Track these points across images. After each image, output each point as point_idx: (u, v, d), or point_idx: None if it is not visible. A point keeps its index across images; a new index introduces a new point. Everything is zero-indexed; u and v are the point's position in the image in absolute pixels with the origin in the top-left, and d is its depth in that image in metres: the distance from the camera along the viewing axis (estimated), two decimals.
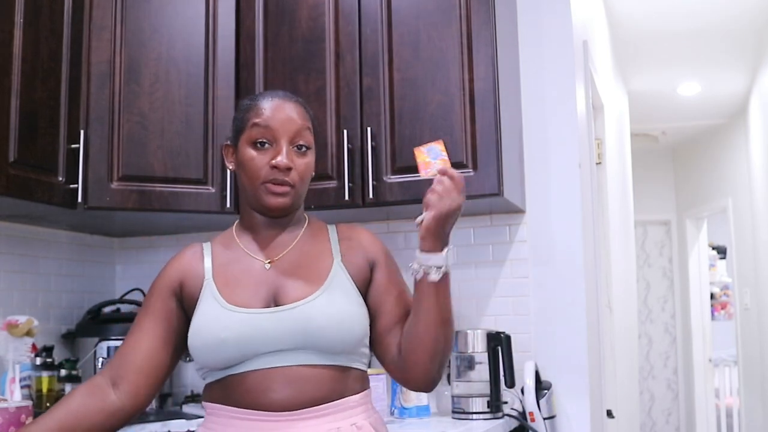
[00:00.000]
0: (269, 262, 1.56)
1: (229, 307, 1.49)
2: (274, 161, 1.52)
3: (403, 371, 1.55)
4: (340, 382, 1.50)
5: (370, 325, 1.55)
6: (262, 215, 1.59)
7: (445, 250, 1.45)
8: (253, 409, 1.45)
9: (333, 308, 1.48)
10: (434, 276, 1.45)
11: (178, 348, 1.56)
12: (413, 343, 1.52)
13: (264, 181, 1.53)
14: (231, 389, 1.48)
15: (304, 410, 1.45)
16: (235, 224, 1.65)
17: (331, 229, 1.64)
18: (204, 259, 1.58)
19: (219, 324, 1.47)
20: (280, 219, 1.60)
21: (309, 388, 1.46)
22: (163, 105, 2.47)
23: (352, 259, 1.58)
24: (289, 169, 1.53)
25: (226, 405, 1.49)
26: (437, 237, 1.44)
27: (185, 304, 1.55)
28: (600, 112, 3.74)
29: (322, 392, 1.47)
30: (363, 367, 1.56)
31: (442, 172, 1.45)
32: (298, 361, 1.46)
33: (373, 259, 1.60)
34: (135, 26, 2.47)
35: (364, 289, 1.58)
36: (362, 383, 1.56)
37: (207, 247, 1.62)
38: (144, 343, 1.53)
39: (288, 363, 1.46)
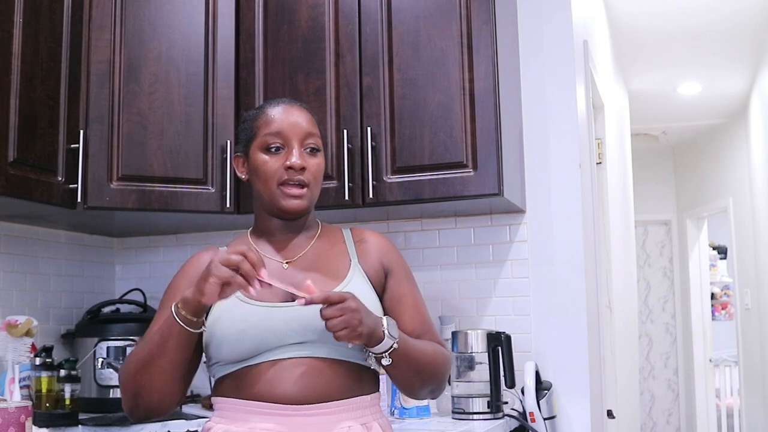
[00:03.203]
0: (287, 263, 1.59)
1: (247, 300, 1.51)
2: (288, 162, 1.56)
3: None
4: (354, 380, 1.52)
5: None
6: (278, 219, 1.62)
7: (384, 335, 1.46)
8: (265, 401, 1.46)
9: None
10: (386, 361, 1.48)
11: (200, 343, 1.56)
12: (398, 385, 1.60)
13: (279, 183, 1.57)
14: (244, 381, 1.49)
15: (317, 405, 1.47)
16: (248, 231, 1.68)
17: (346, 232, 1.68)
18: None
19: (237, 316, 1.50)
20: (295, 222, 1.63)
21: (323, 382, 1.48)
22: (162, 105, 2.47)
23: (368, 261, 1.62)
24: (303, 168, 1.57)
25: (237, 398, 1.49)
26: (370, 340, 1.45)
27: None
28: (600, 112, 3.73)
29: (335, 388, 1.49)
30: (377, 368, 1.58)
31: (309, 302, 1.40)
32: (314, 354, 1.48)
33: (388, 266, 1.64)
34: (134, 26, 2.47)
35: (380, 292, 1.62)
36: (374, 385, 1.59)
37: (223, 251, 1.63)
38: None
39: (303, 355, 1.48)
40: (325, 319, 1.39)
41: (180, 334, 1.43)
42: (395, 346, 1.47)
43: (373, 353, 1.48)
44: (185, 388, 1.54)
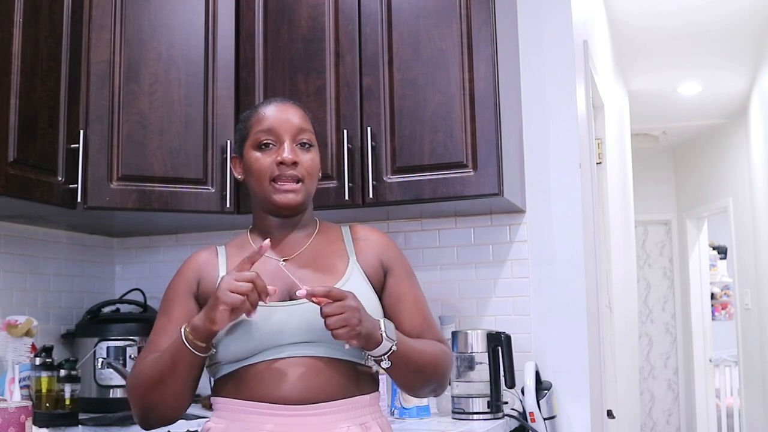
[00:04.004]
0: (284, 260, 1.59)
1: None
2: (279, 157, 1.56)
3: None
4: (353, 380, 1.51)
5: None
6: (274, 216, 1.62)
7: (383, 338, 1.45)
8: (264, 401, 1.46)
9: None
10: (385, 364, 1.47)
11: None
12: (398, 385, 1.61)
13: (272, 179, 1.57)
14: (243, 382, 1.49)
15: (316, 405, 1.46)
16: (248, 230, 1.68)
17: (345, 230, 1.67)
18: (219, 259, 1.61)
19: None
20: (292, 219, 1.63)
21: (321, 382, 1.47)
22: (162, 105, 2.47)
23: (367, 259, 1.61)
24: (295, 163, 1.57)
25: (236, 399, 1.49)
26: (368, 343, 1.44)
27: (201, 304, 1.56)
28: (600, 112, 3.73)
29: (333, 388, 1.48)
30: (375, 367, 1.58)
31: (310, 294, 1.40)
32: (312, 354, 1.48)
33: (388, 264, 1.63)
34: (134, 26, 2.47)
35: (379, 290, 1.61)
36: (373, 384, 1.58)
37: (221, 249, 1.65)
38: None
39: (301, 355, 1.48)
40: (325, 316, 1.39)
41: (190, 357, 1.44)
42: (394, 348, 1.46)
43: (371, 356, 1.47)
44: (193, 394, 1.54)
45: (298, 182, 1.58)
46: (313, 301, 1.41)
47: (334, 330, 1.39)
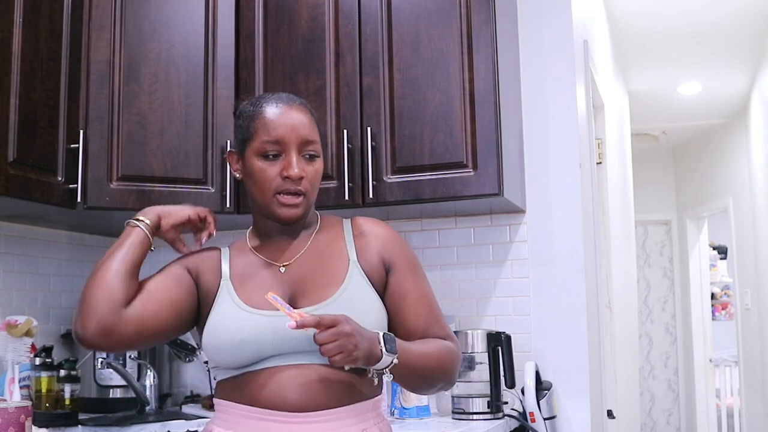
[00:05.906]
0: (284, 266, 1.56)
1: (246, 308, 1.50)
2: (285, 172, 1.52)
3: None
4: (354, 386, 1.49)
5: (388, 330, 1.54)
6: (273, 221, 1.59)
7: (383, 353, 1.42)
8: (265, 408, 1.45)
9: (350, 312, 1.44)
10: (387, 377, 1.45)
11: (185, 313, 1.54)
12: (405, 388, 1.64)
13: (276, 192, 1.53)
14: (244, 387, 1.48)
15: (317, 413, 1.45)
16: (248, 231, 1.65)
17: (346, 225, 1.63)
18: (222, 261, 1.59)
19: (236, 324, 1.48)
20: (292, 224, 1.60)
21: (322, 389, 1.46)
22: (162, 105, 2.47)
23: (367, 258, 1.57)
24: (300, 178, 1.53)
25: (238, 403, 1.49)
26: (368, 361, 1.42)
27: (200, 291, 1.56)
28: (600, 112, 3.73)
29: (335, 395, 1.47)
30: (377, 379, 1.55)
31: (300, 326, 1.37)
32: (314, 361, 1.46)
33: (390, 260, 1.59)
34: (134, 26, 2.47)
35: (381, 288, 1.57)
36: (374, 389, 1.55)
37: (225, 251, 1.62)
38: (158, 294, 1.52)
39: (303, 362, 1.46)
40: (319, 344, 1.36)
41: (130, 233, 1.55)
42: (395, 361, 1.44)
43: (373, 369, 1.44)
44: (127, 292, 1.48)
45: (301, 195, 1.54)
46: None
47: (331, 357, 1.36)
